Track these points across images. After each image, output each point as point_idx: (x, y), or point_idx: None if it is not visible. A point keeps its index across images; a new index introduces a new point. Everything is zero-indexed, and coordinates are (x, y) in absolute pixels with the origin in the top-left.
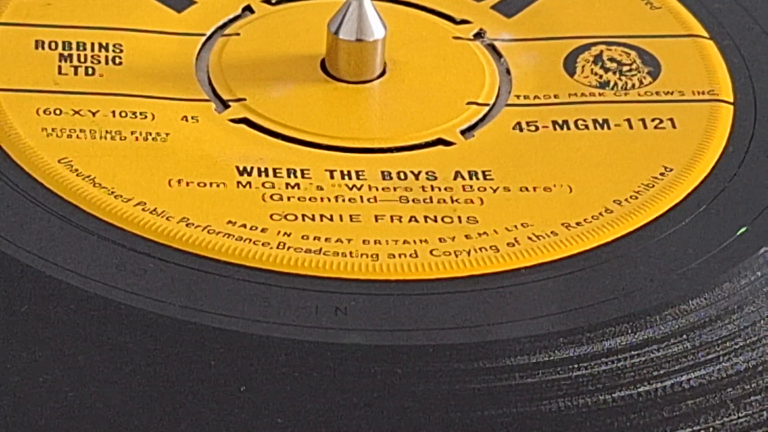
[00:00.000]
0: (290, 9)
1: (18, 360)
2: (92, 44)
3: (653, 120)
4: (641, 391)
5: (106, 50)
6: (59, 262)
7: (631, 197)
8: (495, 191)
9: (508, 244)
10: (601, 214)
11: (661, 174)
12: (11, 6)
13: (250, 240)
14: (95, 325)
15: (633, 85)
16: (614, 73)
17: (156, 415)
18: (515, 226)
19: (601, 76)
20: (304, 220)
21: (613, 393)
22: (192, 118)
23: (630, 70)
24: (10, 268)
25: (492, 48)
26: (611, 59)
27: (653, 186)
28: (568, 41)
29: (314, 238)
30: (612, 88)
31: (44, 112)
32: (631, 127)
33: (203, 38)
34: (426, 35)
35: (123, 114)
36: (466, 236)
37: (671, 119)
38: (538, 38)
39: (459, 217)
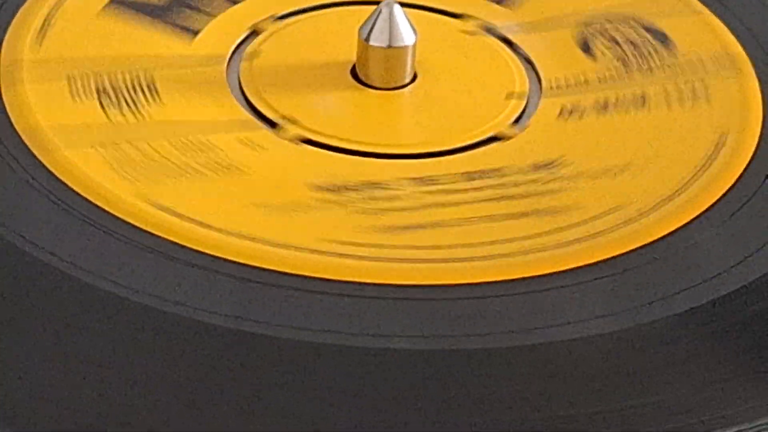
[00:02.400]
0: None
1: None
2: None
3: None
4: None
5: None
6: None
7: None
8: (574, 179)
9: (603, 230)
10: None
11: (716, 145)
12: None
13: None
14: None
15: (651, 55)
16: (630, 44)
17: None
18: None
19: (618, 52)
20: (403, 230)
21: None
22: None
23: (642, 43)
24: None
25: (505, 40)
26: (621, 34)
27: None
28: (573, 20)
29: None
30: (635, 64)
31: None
32: (668, 101)
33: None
34: (449, 38)
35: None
36: (558, 228)
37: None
38: (542, 21)
39: (544, 210)
